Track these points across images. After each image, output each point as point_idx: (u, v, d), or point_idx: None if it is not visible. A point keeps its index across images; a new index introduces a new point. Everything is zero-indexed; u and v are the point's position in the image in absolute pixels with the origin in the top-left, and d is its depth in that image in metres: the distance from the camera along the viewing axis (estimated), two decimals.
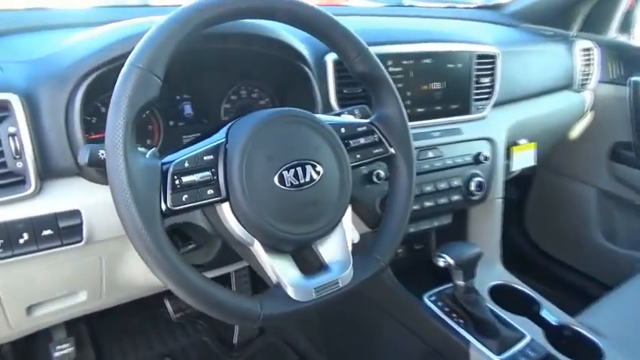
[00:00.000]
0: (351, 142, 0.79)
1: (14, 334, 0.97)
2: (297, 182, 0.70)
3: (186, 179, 0.64)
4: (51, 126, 0.77)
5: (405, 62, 1.14)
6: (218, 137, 0.69)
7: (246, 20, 0.82)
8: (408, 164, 0.84)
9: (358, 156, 0.80)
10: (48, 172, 0.77)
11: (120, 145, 0.59)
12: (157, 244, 0.60)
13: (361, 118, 0.87)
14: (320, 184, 0.72)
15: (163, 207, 0.61)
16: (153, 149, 0.70)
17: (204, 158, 0.66)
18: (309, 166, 0.71)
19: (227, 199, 0.67)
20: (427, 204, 1.18)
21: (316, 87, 1.02)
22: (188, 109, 1.04)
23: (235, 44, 0.89)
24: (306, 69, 1.01)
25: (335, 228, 0.76)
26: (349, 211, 0.96)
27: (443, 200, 1.20)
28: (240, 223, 0.68)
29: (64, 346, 1.11)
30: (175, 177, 0.63)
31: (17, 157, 0.73)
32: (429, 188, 1.17)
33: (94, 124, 0.94)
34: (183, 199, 0.63)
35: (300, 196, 0.70)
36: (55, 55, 0.81)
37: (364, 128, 0.82)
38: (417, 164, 1.14)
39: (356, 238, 0.97)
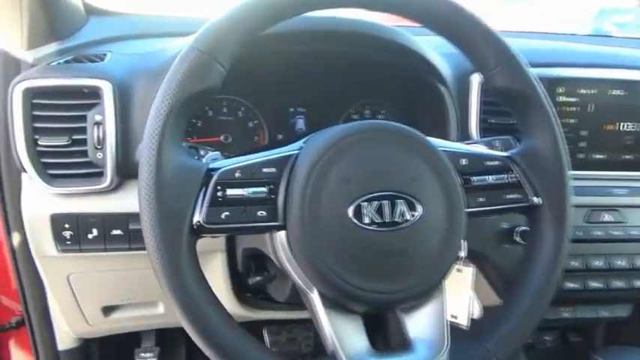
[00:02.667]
0: (473, 178, 0.57)
1: (95, 332, 0.94)
2: (381, 220, 0.51)
3: (232, 192, 0.50)
4: (139, 118, 0.71)
5: (583, 91, 0.86)
6: (292, 147, 0.54)
7: (359, 19, 0.68)
8: (558, 224, 0.57)
9: (482, 199, 0.57)
10: (127, 168, 0.71)
11: (157, 133, 0.47)
12: (173, 266, 0.47)
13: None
14: (414, 229, 0.52)
15: (195, 220, 0.48)
16: (215, 152, 0.58)
17: (264, 170, 0.51)
18: (402, 201, 0.52)
19: (284, 226, 0.51)
20: (593, 285, 0.86)
21: (453, 112, 0.81)
22: (301, 123, 0.92)
23: (348, 47, 0.74)
24: (442, 88, 0.81)
25: (430, 293, 0.54)
26: (470, 273, 0.72)
27: (619, 284, 0.86)
28: (295, 260, 0.51)
29: (147, 354, 1.06)
30: (219, 187, 0.50)
31: (99, 147, 0.69)
32: (598, 263, 0.85)
33: (200, 128, 0.88)
34: (223, 216, 0.49)
35: (383, 239, 0.51)
36: (160, 50, 0.76)
37: (497, 163, 0.59)
38: (586, 228, 0.85)
39: (477, 312, 0.72)
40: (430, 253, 0.53)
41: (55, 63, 0.73)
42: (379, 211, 0.51)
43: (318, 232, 0.50)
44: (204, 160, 0.54)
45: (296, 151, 0.53)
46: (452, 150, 0.58)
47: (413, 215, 0.52)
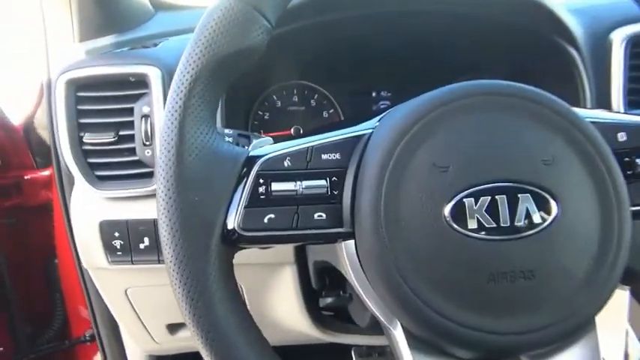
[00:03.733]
0: (638, 161, 0.38)
1: (164, 350, 0.87)
2: (495, 225, 0.34)
3: (279, 187, 0.36)
4: None
5: None
6: (364, 126, 0.39)
7: None
8: None
9: None
10: None
11: (178, 109, 0.35)
12: (196, 286, 0.34)
13: None
14: (548, 238, 0.35)
15: (230, 226, 0.35)
16: (266, 138, 0.45)
17: (324, 157, 0.37)
18: (529, 196, 0.35)
19: (352, 233, 0.36)
20: None
21: (586, 80, 0.61)
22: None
23: (440, 8, 0.58)
24: (572, 51, 0.62)
25: (574, 334, 0.36)
26: (625, 299, 0.53)
27: None
28: (369, 282, 0.37)
29: None
30: (261, 181, 0.36)
31: (147, 143, 0.60)
32: None
33: (267, 121, 0.76)
34: (266, 220, 0.36)
35: (498, 253, 0.34)
36: None
37: None
38: None
39: (636, 352, 0.53)
40: (574, 273, 0.35)
41: (103, 53, 0.65)
42: (492, 210, 0.35)
43: (399, 243, 0.34)
44: (232, 139, 0.41)
45: (369, 130, 0.38)
46: (604, 121, 0.39)
47: (545, 217, 0.35)
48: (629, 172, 0.38)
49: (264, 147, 0.39)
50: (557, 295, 0.35)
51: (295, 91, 0.76)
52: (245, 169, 0.37)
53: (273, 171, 0.37)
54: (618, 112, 0.42)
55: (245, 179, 0.36)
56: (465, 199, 0.35)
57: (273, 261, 0.66)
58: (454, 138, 0.36)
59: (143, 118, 0.59)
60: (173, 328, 0.78)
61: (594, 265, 0.35)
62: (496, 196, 0.35)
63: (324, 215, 0.36)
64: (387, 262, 0.34)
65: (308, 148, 0.37)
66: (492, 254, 0.34)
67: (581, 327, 0.36)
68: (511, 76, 0.72)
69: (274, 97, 0.75)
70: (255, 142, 0.44)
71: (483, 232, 0.34)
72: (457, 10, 0.61)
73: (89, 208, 0.62)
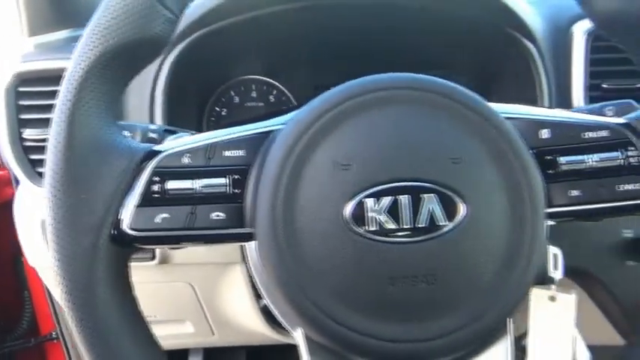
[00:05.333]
0: (561, 160, 0.36)
1: None
2: (396, 226, 0.32)
3: (174, 185, 0.35)
4: (134, 104, 0.60)
5: None
6: (274, 122, 0.37)
7: None
8: None
9: (576, 193, 0.35)
10: None
11: (69, 99, 0.33)
12: (81, 289, 0.33)
13: None
14: (453, 241, 0.33)
15: (121, 225, 0.34)
16: (186, 134, 0.43)
17: (226, 154, 0.35)
18: (434, 197, 0.33)
19: (253, 235, 0.34)
20: None
21: (543, 75, 0.59)
22: None
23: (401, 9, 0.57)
24: (530, 45, 0.59)
25: (483, 340, 0.34)
26: (571, 302, 0.51)
27: None
28: (268, 286, 0.35)
29: None
30: (157, 178, 0.35)
31: None
32: None
33: (225, 117, 0.75)
34: (158, 220, 0.34)
35: (400, 256, 0.32)
36: None
37: (605, 134, 0.36)
38: None
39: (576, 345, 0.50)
40: (480, 277, 0.33)
41: (48, 47, 0.64)
42: (393, 211, 0.33)
43: (296, 245, 0.33)
44: (131, 134, 0.39)
45: (279, 126, 0.36)
46: (526, 117, 0.37)
47: (451, 219, 0.33)
48: (550, 172, 0.35)
49: (167, 143, 0.37)
50: (460, 300, 0.33)
51: (254, 87, 0.74)
52: (141, 166, 0.35)
53: (171, 168, 0.35)
54: (545, 108, 0.39)
55: (139, 177, 0.35)
56: (365, 199, 0.33)
57: (222, 260, 0.64)
58: (357, 135, 0.34)
59: None
60: None
61: (504, 268, 0.33)
62: (398, 196, 0.33)
63: (222, 215, 0.35)
64: (284, 266, 0.33)
65: (209, 144, 0.36)
66: (392, 257, 0.32)
67: (488, 332, 0.34)
68: (472, 71, 0.71)
69: (232, 92, 0.73)
70: (170, 137, 0.43)
71: (383, 234, 0.32)
72: (410, 4, 0.59)
73: (31, 206, 0.61)
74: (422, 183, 0.33)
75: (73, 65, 0.34)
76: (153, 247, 0.36)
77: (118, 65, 0.35)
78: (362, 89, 0.34)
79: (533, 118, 0.37)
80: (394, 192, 0.33)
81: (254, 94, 0.74)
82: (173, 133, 0.46)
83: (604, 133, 0.36)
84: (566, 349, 0.51)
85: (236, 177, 0.35)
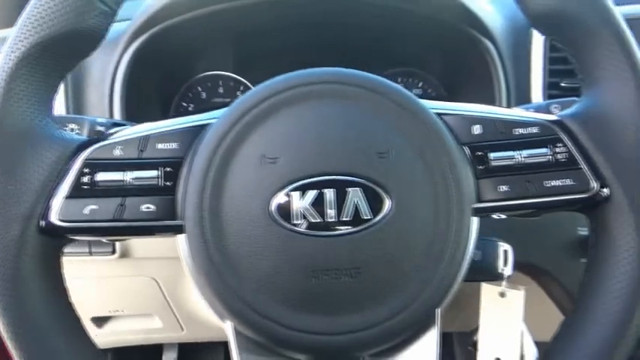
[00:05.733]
0: (491, 155, 0.36)
1: (100, 344, 0.86)
2: (320, 220, 0.33)
3: (104, 177, 0.35)
4: (94, 99, 0.60)
5: None
6: (210, 115, 0.38)
7: None
8: None
9: (505, 188, 0.36)
10: None
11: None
12: (6, 281, 0.33)
13: None
14: (377, 235, 0.33)
15: (50, 217, 0.34)
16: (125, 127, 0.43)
17: (159, 147, 0.36)
18: (359, 191, 0.33)
19: (182, 227, 0.35)
20: None
21: (501, 73, 0.59)
22: None
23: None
24: (487, 43, 0.59)
25: (405, 332, 0.34)
26: (520, 298, 0.52)
27: None
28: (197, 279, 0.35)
29: None
30: (88, 170, 0.35)
31: None
32: None
33: (192, 114, 0.75)
34: (87, 211, 0.34)
35: (323, 250, 0.33)
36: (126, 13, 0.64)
37: (534, 131, 0.36)
38: None
39: (531, 353, 0.51)
40: (404, 271, 0.33)
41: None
42: (318, 205, 0.33)
43: (222, 238, 0.33)
44: (70, 129, 0.39)
45: (210, 120, 0.36)
46: (459, 112, 0.37)
47: (377, 213, 0.33)
48: (480, 167, 0.36)
49: (103, 135, 0.38)
50: (385, 293, 0.33)
51: (221, 83, 0.74)
52: (72, 158, 0.35)
53: (102, 160, 0.35)
54: (482, 105, 0.39)
55: (69, 168, 0.35)
56: (291, 193, 0.33)
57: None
58: (285, 129, 0.34)
59: None
60: (98, 321, 0.77)
61: (429, 261, 0.33)
62: (324, 190, 0.33)
63: (152, 207, 0.35)
64: (209, 259, 0.33)
65: (142, 136, 0.36)
66: (316, 250, 0.33)
67: (413, 325, 0.34)
68: (438, 69, 0.71)
69: (199, 88, 0.74)
70: (113, 130, 0.43)
71: (308, 227, 0.33)
72: (370, 1, 0.59)
73: None
74: (347, 177, 0.33)
75: (4, 55, 0.34)
76: (82, 238, 0.36)
77: (50, 57, 0.35)
78: (289, 84, 0.35)
79: (465, 114, 0.37)
80: (320, 186, 0.33)
81: (221, 90, 0.74)
82: (121, 126, 0.47)
83: (534, 130, 0.36)
84: (515, 343, 0.51)
85: (168, 169, 0.35)
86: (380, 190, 0.33)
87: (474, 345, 0.54)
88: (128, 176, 0.35)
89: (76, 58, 0.37)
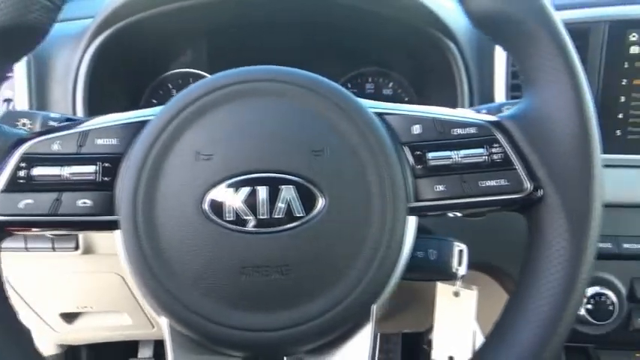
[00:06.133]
0: (429, 155, 0.36)
1: (71, 340, 0.86)
2: (252, 217, 0.33)
3: (40, 172, 0.35)
4: (58, 96, 0.60)
5: None
6: (149, 111, 0.38)
7: None
8: (575, 230, 0.34)
9: (441, 188, 0.36)
10: None
11: None
12: None
13: None
14: (308, 233, 0.33)
15: None
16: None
17: (98, 142, 0.36)
18: (292, 188, 0.33)
19: (118, 223, 0.35)
20: None
21: (463, 74, 0.59)
22: None
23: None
24: (451, 44, 0.60)
25: (336, 329, 0.35)
26: (472, 298, 0.52)
27: None
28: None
29: None
30: (23, 164, 0.35)
31: None
32: None
33: None
34: (21, 205, 0.34)
35: (255, 246, 0.33)
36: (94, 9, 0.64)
37: (472, 131, 0.37)
38: None
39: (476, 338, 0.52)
40: (335, 270, 0.33)
41: None
42: (251, 202, 0.33)
43: (154, 233, 0.33)
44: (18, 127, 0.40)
45: (150, 117, 0.36)
46: (400, 112, 0.37)
47: (309, 211, 0.33)
48: (419, 167, 0.36)
49: (43, 130, 0.38)
50: (315, 291, 0.33)
51: (191, 80, 0.74)
52: (10, 152, 0.35)
53: (40, 154, 0.35)
54: (425, 106, 0.39)
55: (6, 162, 0.35)
56: (225, 189, 0.33)
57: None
58: (220, 126, 0.34)
59: (5, 102, 0.59)
60: (68, 317, 0.77)
61: (361, 260, 0.33)
62: (257, 187, 0.33)
63: (89, 202, 0.35)
64: (142, 254, 0.33)
65: (82, 132, 0.36)
66: (246, 247, 0.33)
67: (344, 323, 0.34)
68: (405, 69, 0.71)
69: (169, 84, 0.74)
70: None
71: (239, 224, 0.33)
72: (334, 10, 0.59)
73: None
74: (281, 174, 0.33)
75: None
76: (18, 232, 0.36)
77: None
78: (226, 81, 0.35)
79: (406, 114, 0.37)
80: (253, 183, 0.33)
81: None
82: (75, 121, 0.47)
83: (471, 130, 0.36)
84: (467, 342, 0.51)
85: (107, 165, 0.35)
86: (313, 189, 0.33)
87: (429, 344, 0.55)
88: (65, 171, 0.35)
89: (19, 52, 0.37)
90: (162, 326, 0.36)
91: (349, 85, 0.73)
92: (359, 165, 0.34)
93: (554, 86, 0.35)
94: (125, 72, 0.66)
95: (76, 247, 0.63)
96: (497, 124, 0.37)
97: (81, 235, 0.61)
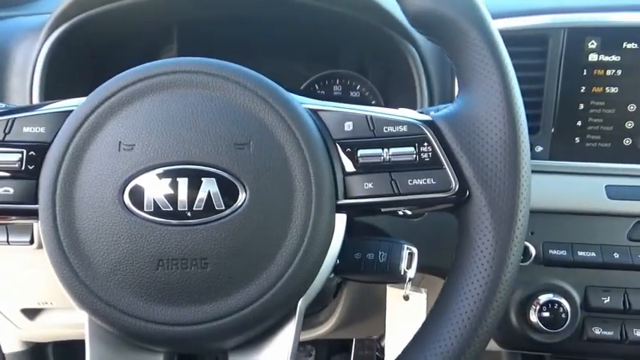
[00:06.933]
0: (359, 153, 0.36)
1: (36, 337, 0.86)
2: (171, 209, 0.33)
3: None
4: (17, 88, 0.60)
5: (631, 46, 0.58)
6: (77, 100, 0.37)
7: None
8: (498, 232, 0.34)
9: (369, 186, 0.35)
10: None
11: None
12: None
13: None
14: (230, 224, 0.33)
15: None
16: None
17: (25, 130, 0.36)
18: (212, 180, 0.33)
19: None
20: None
21: (424, 77, 0.59)
22: None
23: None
24: (409, 46, 0.60)
25: (258, 324, 0.34)
26: (422, 301, 0.52)
27: None
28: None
29: None
30: None
31: None
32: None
33: None
34: None
35: (173, 239, 0.32)
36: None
37: (403, 129, 0.36)
38: (630, 249, 0.56)
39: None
40: (254, 265, 0.33)
41: None
42: (171, 194, 0.33)
43: (71, 224, 0.33)
44: None
45: (76, 106, 0.36)
46: (333, 109, 0.37)
47: (230, 204, 0.33)
48: (349, 164, 0.35)
49: None
50: (233, 285, 0.33)
51: None
52: None
53: None
54: (360, 105, 0.39)
55: None
56: (145, 180, 0.33)
57: None
58: (145, 116, 0.34)
59: None
60: (30, 313, 0.77)
61: (283, 256, 0.33)
62: (177, 179, 0.33)
63: (11, 190, 0.35)
64: (58, 245, 0.33)
65: (8, 119, 0.36)
66: (164, 240, 0.32)
67: (265, 318, 0.34)
68: (368, 72, 0.71)
69: None
70: None
71: (158, 216, 0.32)
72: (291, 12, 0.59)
73: None
74: (203, 167, 0.33)
75: None
76: None
77: None
78: (151, 72, 0.35)
79: (339, 111, 0.37)
80: (174, 174, 0.33)
81: None
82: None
83: (402, 128, 0.36)
84: None
85: (32, 153, 0.35)
86: (235, 182, 0.33)
87: (382, 351, 0.54)
88: None
89: None
90: (82, 318, 0.35)
91: (316, 86, 0.73)
92: (283, 160, 0.34)
93: (484, 87, 0.35)
94: (87, 65, 0.66)
95: (31, 241, 0.62)
96: (429, 123, 0.36)
97: (35, 228, 0.61)
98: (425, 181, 0.35)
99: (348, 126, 0.36)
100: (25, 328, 0.79)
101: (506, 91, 0.34)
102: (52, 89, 0.60)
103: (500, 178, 0.34)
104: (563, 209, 0.56)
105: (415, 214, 0.41)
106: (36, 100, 0.59)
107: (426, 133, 0.36)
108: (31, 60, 0.59)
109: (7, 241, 0.61)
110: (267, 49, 0.70)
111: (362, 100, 0.73)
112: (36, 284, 0.71)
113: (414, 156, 0.35)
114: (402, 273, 0.49)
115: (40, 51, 0.58)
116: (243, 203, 0.33)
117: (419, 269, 0.44)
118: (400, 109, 0.42)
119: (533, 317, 0.54)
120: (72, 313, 0.79)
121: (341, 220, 0.36)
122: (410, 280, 0.50)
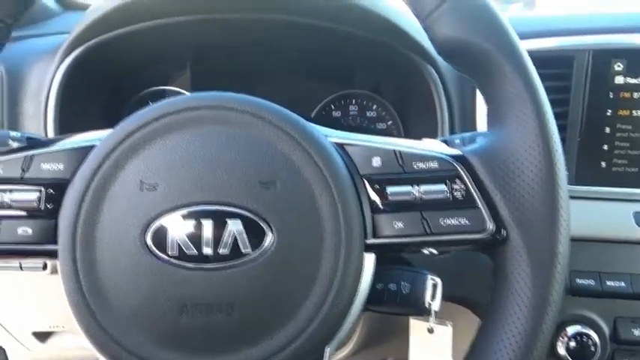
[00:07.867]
0: (389, 190, 0.34)
1: (42, 359, 0.84)
2: (196, 252, 0.31)
3: None
4: (30, 112, 0.59)
5: None
6: (96, 136, 0.36)
7: None
8: (538, 273, 0.32)
9: (400, 225, 0.34)
10: None
11: None
12: None
13: None
14: (258, 268, 0.31)
15: None
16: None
17: (44, 167, 0.34)
18: (238, 222, 0.32)
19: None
20: None
21: (444, 99, 0.58)
22: None
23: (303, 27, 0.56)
24: (429, 67, 0.58)
25: None
26: (447, 334, 0.50)
27: None
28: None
29: None
30: None
31: None
32: None
33: None
34: None
35: (196, 283, 0.31)
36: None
37: (434, 166, 0.35)
38: None
39: None
40: (286, 309, 0.32)
41: None
42: (195, 236, 0.31)
43: (93, 266, 0.31)
44: None
45: (97, 142, 0.35)
46: (360, 143, 0.36)
47: (257, 247, 0.31)
48: (378, 201, 0.34)
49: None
50: (260, 332, 0.31)
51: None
52: None
53: None
54: (388, 137, 0.38)
55: None
56: (168, 222, 0.31)
57: None
58: (168, 154, 0.33)
59: None
60: (41, 336, 0.75)
61: (312, 300, 0.32)
62: (202, 220, 0.31)
63: (29, 231, 0.33)
64: (78, 288, 0.31)
65: (27, 155, 0.35)
66: (188, 284, 0.31)
67: None
68: (386, 93, 0.70)
69: (149, 102, 0.73)
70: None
71: (182, 259, 0.31)
72: (302, 22, 0.58)
73: None
74: (228, 207, 0.32)
75: None
76: None
77: None
78: (174, 108, 0.33)
79: (367, 145, 0.35)
80: (198, 215, 0.31)
81: None
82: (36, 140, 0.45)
83: (433, 165, 0.35)
84: None
85: (51, 192, 0.34)
86: (262, 223, 0.32)
87: None
88: (7, 197, 0.33)
89: None
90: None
91: (332, 106, 0.71)
92: (311, 199, 0.32)
93: (518, 121, 0.33)
94: (102, 89, 0.65)
95: (44, 267, 0.61)
96: (460, 159, 0.35)
97: None
98: (458, 221, 0.33)
99: (376, 161, 0.35)
100: (36, 350, 0.78)
101: (542, 127, 0.33)
102: (67, 113, 0.59)
103: (539, 220, 0.32)
104: (590, 236, 0.54)
105: (441, 252, 0.39)
106: (50, 124, 0.58)
107: (457, 170, 0.34)
108: (45, 83, 0.58)
109: (20, 267, 0.60)
110: (282, 71, 0.69)
111: (377, 120, 0.72)
112: (48, 308, 0.70)
113: (447, 194, 0.34)
114: (427, 305, 0.48)
115: (55, 74, 0.57)
116: (270, 246, 0.31)
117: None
118: (426, 141, 0.41)
119: (562, 350, 0.52)
120: (82, 335, 0.78)
121: (370, 260, 0.34)
122: (435, 312, 0.49)
